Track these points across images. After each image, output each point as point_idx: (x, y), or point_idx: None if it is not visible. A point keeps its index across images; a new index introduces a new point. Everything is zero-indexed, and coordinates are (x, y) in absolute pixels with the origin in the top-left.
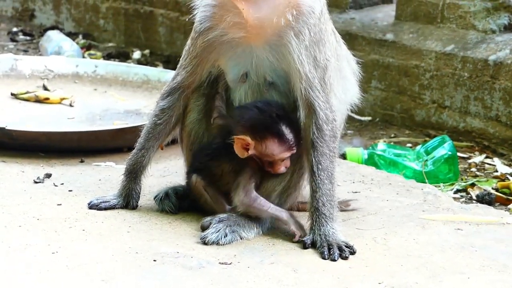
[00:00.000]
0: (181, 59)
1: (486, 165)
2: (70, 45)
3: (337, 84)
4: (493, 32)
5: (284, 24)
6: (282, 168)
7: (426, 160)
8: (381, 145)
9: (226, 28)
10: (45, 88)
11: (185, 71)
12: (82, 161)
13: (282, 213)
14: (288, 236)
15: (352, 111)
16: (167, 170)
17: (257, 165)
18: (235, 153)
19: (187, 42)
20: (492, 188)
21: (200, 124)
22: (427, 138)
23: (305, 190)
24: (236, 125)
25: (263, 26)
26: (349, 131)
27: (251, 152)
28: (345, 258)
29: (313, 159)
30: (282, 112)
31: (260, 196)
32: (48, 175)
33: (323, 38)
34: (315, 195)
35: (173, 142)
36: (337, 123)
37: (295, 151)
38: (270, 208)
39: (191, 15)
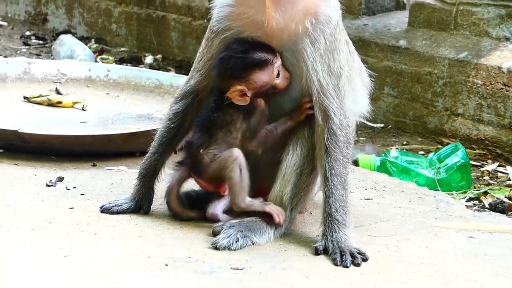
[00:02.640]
0: (195, 61)
1: (499, 173)
2: (82, 49)
3: (347, 94)
4: (507, 39)
5: (301, 31)
6: (284, 82)
7: (439, 167)
8: (393, 152)
9: (244, 26)
10: (58, 92)
11: (199, 74)
12: (94, 165)
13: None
14: (301, 242)
15: (364, 118)
16: None
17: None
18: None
19: (202, 43)
20: (505, 197)
21: None
22: (439, 146)
23: (316, 197)
24: (219, 84)
25: (282, 29)
26: (361, 138)
27: (250, 94)
28: (357, 265)
29: (326, 164)
30: (244, 45)
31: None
32: (61, 179)
33: (337, 47)
34: (328, 201)
35: None
36: (351, 129)
37: (279, 60)
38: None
39: (206, 18)
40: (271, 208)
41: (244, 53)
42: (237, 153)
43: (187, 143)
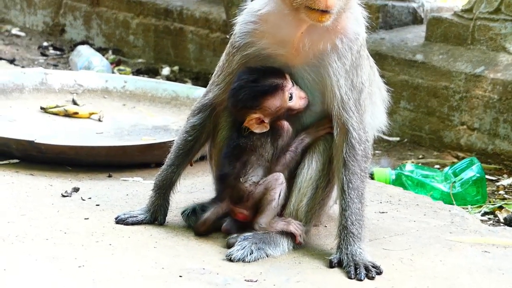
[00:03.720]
0: (213, 75)
1: None
2: (100, 60)
3: (367, 108)
4: None
5: (329, 49)
6: (299, 102)
7: (454, 181)
8: (409, 166)
9: (267, 44)
10: (75, 103)
11: (218, 88)
12: (110, 176)
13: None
14: (315, 255)
15: (381, 133)
16: (195, 187)
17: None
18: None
19: (221, 58)
20: None
21: None
22: (455, 160)
23: (331, 210)
24: (235, 115)
25: (308, 49)
26: (377, 151)
27: (267, 120)
28: (372, 278)
29: (344, 177)
30: (254, 73)
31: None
32: (76, 189)
33: (361, 63)
34: (344, 214)
35: (201, 158)
36: (369, 143)
37: (290, 83)
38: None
39: (228, 34)
40: (295, 228)
41: (253, 82)
42: (283, 178)
43: (221, 176)
